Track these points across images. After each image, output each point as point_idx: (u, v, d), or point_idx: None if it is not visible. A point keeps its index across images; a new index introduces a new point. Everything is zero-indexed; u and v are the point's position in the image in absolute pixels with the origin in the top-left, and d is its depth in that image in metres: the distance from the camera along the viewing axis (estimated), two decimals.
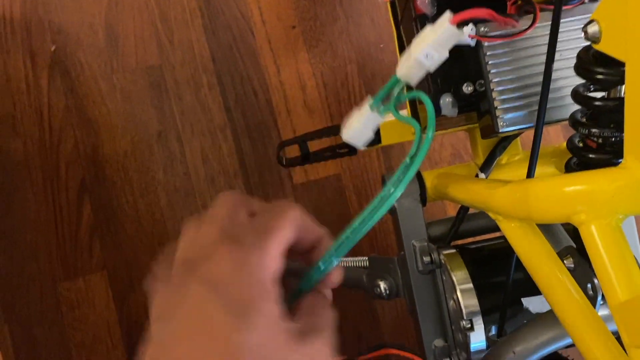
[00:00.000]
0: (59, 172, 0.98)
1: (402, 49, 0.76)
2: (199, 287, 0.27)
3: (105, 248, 0.98)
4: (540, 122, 0.44)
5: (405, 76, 0.40)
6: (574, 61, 0.53)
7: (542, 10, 0.50)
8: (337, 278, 0.33)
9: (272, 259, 0.28)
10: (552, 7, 0.51)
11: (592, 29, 0.41)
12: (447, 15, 0.37)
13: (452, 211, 1.02)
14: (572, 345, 0.60)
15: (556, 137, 1.07)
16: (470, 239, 0.75)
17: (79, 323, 0.96)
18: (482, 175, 0.71)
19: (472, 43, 0.51)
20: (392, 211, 0.73)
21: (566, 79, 0.52)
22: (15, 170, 0.98)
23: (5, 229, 0.97)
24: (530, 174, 0.46)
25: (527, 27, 0.47)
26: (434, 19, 0.60)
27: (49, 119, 0.99)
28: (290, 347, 0.26)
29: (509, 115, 0.52)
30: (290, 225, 0.30)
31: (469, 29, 0.51)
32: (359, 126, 0.41)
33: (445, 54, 0.39)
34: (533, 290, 0.64)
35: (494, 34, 0.49)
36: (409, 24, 0.65)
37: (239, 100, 1.03)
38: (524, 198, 0.43)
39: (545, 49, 0.52)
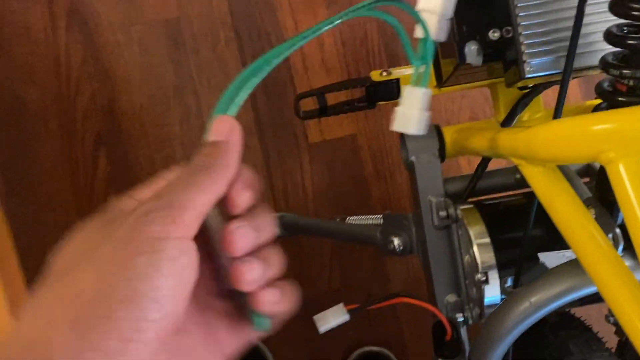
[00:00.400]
0: (76, 124, 0.98)
1: None
2: None
3: None
4: (570, 58, 0.43)
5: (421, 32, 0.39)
6: (605, 5, 0.51)
7: None
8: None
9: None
10: None
11: None
12: None
13: (466, 171, 1.02)
14: (588, 302, 0.60)
15: (574, 97, 1.05)
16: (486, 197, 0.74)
17: None
18: None
19: None
20: (410, 166, 0.72)
21: (597, 23, 0.50)
22: (32, 120, 0.98)
23: (22, 178, 0.98)
24: (557, 114, 0.46)
25: None
26: None
27: (67, 69, 0.99)
28: None
29: (537, 61, 0.51)
30: None
31: None
32: (406, 109, 0.38)
33: None
34: (549, 245, 0.64)
35: None
36: None
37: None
38: (551, 138, 0.42)
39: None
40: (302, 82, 1.02)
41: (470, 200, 0.72)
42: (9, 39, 0.99)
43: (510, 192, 0.74)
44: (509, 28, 0.55)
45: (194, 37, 1.01)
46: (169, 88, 1.00)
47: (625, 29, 0.44)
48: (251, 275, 0.27)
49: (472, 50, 0.59)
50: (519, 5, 0.50)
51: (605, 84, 0.47)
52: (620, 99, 0.45)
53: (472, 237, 0.65)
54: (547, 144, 0.42)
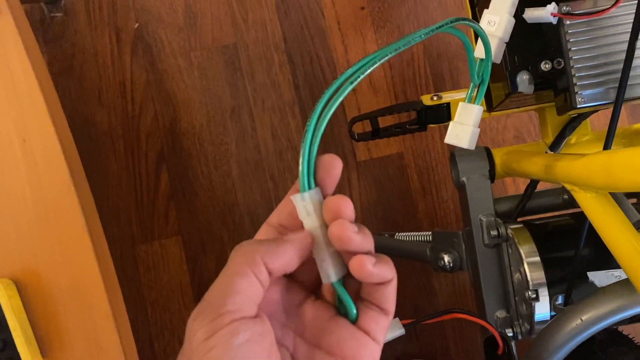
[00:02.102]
0: (140, 142, 1.05)
1: None
2: None
3: (180, 215, 1.04)
4: (622, 90, 0.46)
5: (481, 53, 0.42)
6: None
7: None
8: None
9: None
10: None
11: None
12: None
13: (512, 190, 1.04)
14: (637, 320, 0.62)
15: (621, 121, 1.07)
16: (535, 217, 0.77)
17: (155, 283, 1.03)
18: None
19: (554, 21, 0.54)
20: (461, 186, 0.76)
21: None
22: (100, 139, 1.05)
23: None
24: (608, 144, 0.49)
25: (610, 5, 0.49)
26: None
27: (132, 92, 1.06)
28: None
29: (587, 92, 0.54)
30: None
31: (552, 7, 0.54)
32: (459, 124, 0.41)
33: (507, 17, 0.41)
34: (597, 264, 0.66)
35: (578, 12, 0.51)
36: (485, 5, 0.68)
37: (308, 79, 1.07)
38: (608, 167, 0.45)
39: (626, 26, 0.54)
40: (351, 103, 1.07)
41: (519, 220, 0.75)
42: (80, 64, 1.07)
43: (558, 213, 0.76)
44: (560, 60, 0.58)
45: (249, 61, 1.07)
46: (227, 109, 1.06)
47: None
48: (371, 264, 0.29)
49: (523, 80, 0.62)
50: (570, 40, 0.54)
51: None
52: None
53: (523, 256, 0.68)
54: (602, 174, 0.45)
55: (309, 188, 0.31)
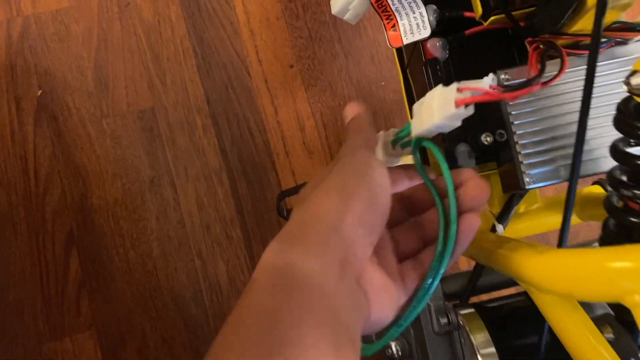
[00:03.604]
0: (45, 223, 0.93)
1: (408, 92, 0.71)
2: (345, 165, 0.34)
3: (94, 303, 0.91)
4: (572, 189, 0.39)
5: (420, 135, 0.37)
6: (603, 109, 0.48)
7: (568, 55, 0.46)
8: None
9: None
10: (579, 51, 0.46)
11: (636, 80, 0.36)
12: (453, 95, 0.33)
13: (463, 264, 0.97)
14: None
15: None
16: (487, 295, 0.69)
17: None
18: (499, 227, 0.66)
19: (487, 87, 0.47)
20: None
21: (596, 128, 0.47)
22: None
23: None
24: (561, 242, 0.41)
25: (552, 76, 0.43)
26: (445, 63, 0.56)
27: (35, 167, 0.94)
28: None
29: (536, 171, 0.47)
30: None
31: (490, 79, 0.47)
32: None
33: (457, 124, 0.35)
34: (558, 352, 0.58)
35: (515, 82, 0.45)
36: (417, 68, 0.61)
37: (235, 142, 0.98)
38: (565, 274, 0.37)
39: (573, 95, 0.48)
40: (284, 166, 0.98)
41: (472, 301, 0.67)
42: None
43: (513, 290, 0.69)
44: (502, 132, 0.51)
45: (169, 126, 0.97)
46: (145, 181, 0.95)
47: (633, 142, 0.41)
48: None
49: (463, 152, 0.55)
50: (512, 112, 0.47)
51: (615, 199, 0.43)
52: (633, 219, 0.41)
53: (476, 347, 0.60)
54: (560, 280, 0.38)
55: None
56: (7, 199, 0.93)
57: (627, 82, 0.36)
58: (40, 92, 0.96)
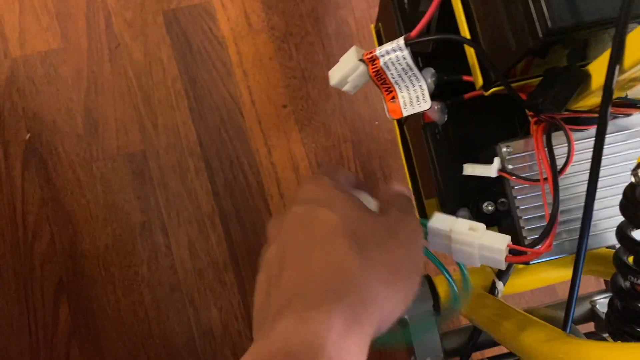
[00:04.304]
0: (34, 271, 0.90)
1: (403, 139, 0.71)
2: (324, 211, 0.29)
3: (85, 354, 0.89)
4: (576, 281, 0.38)
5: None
6: (607, 181, 0.48)
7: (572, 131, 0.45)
8: None
9: None
10: (581, 127, 0.46)
11: None
12: (503, 253, 0.35)
13: (464, 319, 0.95)
14: None
15: None
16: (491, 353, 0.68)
17: None
18: (499, 284, 0.65)
19: (494, 175, 0.46)
20: (403, 324, 0.66)
21: (600, 200, 0.46)
22: None
23: None
24: (567, 325, 0.40)
25: (561, 167, 0.42)
26: (444, 127, 0.55)
27: (23, 213, 0.92)
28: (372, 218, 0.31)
29: (539, 246, 0.46)
30: None
31: (497, 165, 0.46)
32: None
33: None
34: None
35: (526, 175, 0.44)
36: (415, 126, 0.60)
37: (228, 185, 0.96)
38: None
39: (574, 169, 0.47)
40: (279, 208, 0.97)
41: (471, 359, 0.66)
42: None
43: None
44: (504, 200, 0.51)
45: (160, 170, 0.95)
46: (136, 226, 0.93)
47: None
48: None
49: (463, 217, 0.54)
50: (515, 187, 0.46)
51: (621, 280, 0.42)
52: (639, 304, 0.40)
53: None
54: None
55: None
56: None
57: (634, 174, 0.36)
58: (28, 135, 0.95)
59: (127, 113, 0.96)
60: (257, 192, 0.97)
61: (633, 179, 0.36)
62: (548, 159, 0.40)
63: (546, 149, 0.41)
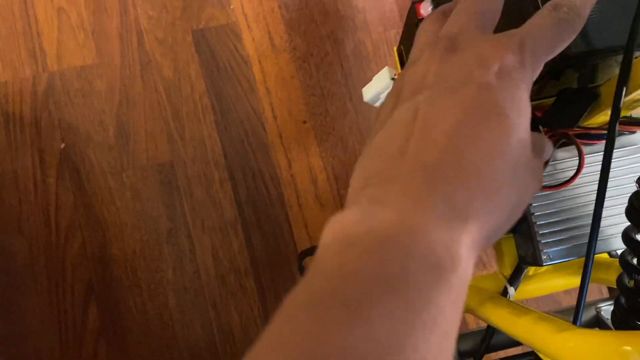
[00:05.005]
0: (65, 274, 0.95)
1: None
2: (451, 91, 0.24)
3: (111, 355, 0.93)
4: (587, 273, 0.43)
5: None
6: (613, 192, 0.52)
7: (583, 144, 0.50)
8: None
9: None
10: (591, 142, 0.51)
11: None
12: None
13: (471, 322, 1.00)
14: None
15: None
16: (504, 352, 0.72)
17: None
18: (511, 290, 0.69)
19: None
20: None
21: (607, 209, 0.51)
22: (19, 272, 0.94)
23: (7, 334, 0.92)
24: (577, 319, 0.45)
25: (571, 175, 0.47)
26: None
27: (56, 218, 0.97)
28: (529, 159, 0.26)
29: (553, 249, 0.51)
30: None
31: None
32: None
33: None
34: None
35: (543, 184, 0.49)
36: None
37: (250, 195, 1.01)
38: (583, 352, 0.41)
39: (585, 180, 0.52)
40: (297, 219, 1.02)
41: (486, 357, 0.70)
42: None
43: (526, 348, 0.72)
44: None
45: (187, 179, 1.00)
46: (162, 232, 0.98)
47: None
48: None
49: None
50: (533, 204, 0.51)
51: (626, 279, 0.47)
52: None
53: None
54: (577, 357, 0.41)
55: None
56: (29, 249, 0.95)
57: (639, 182, 0.40)
58: (63, 145, 1.00)
59: (156, 126, 1.02)
60: (277, 202, 1.02)
61: (638, 187, 0.41)
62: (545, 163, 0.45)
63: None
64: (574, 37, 0.28)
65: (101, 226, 0.98)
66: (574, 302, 0.50)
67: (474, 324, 0.99)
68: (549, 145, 0.30)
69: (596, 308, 0.73)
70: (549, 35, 0.27)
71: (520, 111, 0.24)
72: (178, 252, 0.98)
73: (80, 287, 0.95)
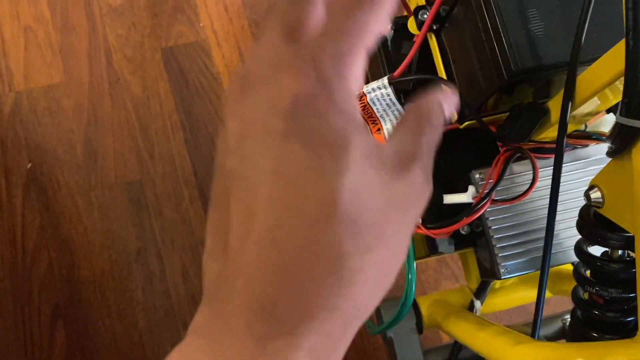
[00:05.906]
0: (32, 296, 0.93)
1: None
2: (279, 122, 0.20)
3: None
4: (542, 286, 0.43)
5: None
6: (570, 204, 0.53)
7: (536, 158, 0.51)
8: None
9: (356, 84, 0.22)
10: (545, 155, 0.51)
11: (595, 194, 0.41)
12: None
13: (445, 336, 1.00)
14: None
15: None
16: None
17: None
18: (477, 303, 0.69)
19: (470, 200, 0.52)
20: (388, 342, 0.70)
21: (565, 221, 0.52)
22: None
23: None
24: (535, 332, 0.45)
25: (525, 190, 0.48)
26: None
27: (22, 239, 0.95)
28: (386, 182, 0.21)
29: (510, 263, 0.51)
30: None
31: (472, 192, 0.52)
32: None
33: None
34: None
35: (498, 198, 0.49)
36: None
37: None
38: None
39: (540, 193, 0.53)
40: None
41: None
42: None
43: None
44: (479, 223, 0.56)
45: (156, 198, 1.00)
46: (131, 252, 0.97)
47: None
48: None
49: (442, 241, 0.59)
50: (489, 209, 0.52)
51: (581, 291, 0.47)
52: (596, 312, 0.45)
53: None
54: None
55: None
56: None
57: (587, 196, 0.41)
58: (30, 165, 0.99)
59: (125, 144, 1.01)
60: None
61: (585, 200, 0.41)
62: (498, 177, 0.46)
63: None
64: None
65: (69, 246, 0.96)
66: (545, 314, 0.50)
67: (447, 338, 0.99)
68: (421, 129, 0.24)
69: (562, 320, 0.73)
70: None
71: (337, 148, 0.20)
72: (147, 271, 0.97)
73: (47, 309, 0.93)
